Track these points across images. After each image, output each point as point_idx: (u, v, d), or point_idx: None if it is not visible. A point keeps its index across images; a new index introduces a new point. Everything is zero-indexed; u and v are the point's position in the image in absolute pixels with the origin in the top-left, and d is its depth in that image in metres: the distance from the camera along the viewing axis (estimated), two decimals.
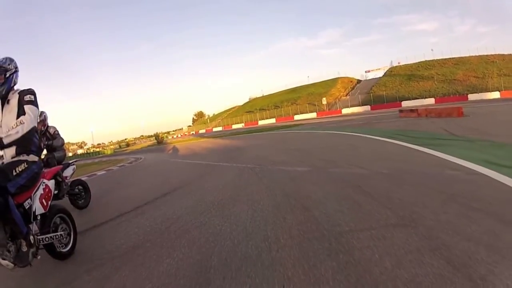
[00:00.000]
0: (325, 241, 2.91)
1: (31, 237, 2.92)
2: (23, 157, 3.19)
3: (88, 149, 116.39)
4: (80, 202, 6.63)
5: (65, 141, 7.36)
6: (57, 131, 7.00)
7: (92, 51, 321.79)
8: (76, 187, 6.70)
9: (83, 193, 6.82)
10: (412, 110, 22.96)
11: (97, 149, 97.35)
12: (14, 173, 2.95)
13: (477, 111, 20.57)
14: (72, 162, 6.15)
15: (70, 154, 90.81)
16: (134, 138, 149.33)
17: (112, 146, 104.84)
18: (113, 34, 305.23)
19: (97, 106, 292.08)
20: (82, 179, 7.57)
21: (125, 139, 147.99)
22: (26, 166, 3.11)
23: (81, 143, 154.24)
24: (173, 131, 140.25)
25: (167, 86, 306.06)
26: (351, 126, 19.48)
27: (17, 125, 2.96)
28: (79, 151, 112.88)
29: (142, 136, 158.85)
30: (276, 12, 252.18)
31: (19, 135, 2.93)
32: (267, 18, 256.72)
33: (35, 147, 3.36)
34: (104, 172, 16.11)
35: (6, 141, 2.84)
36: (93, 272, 3.10)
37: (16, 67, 3.41)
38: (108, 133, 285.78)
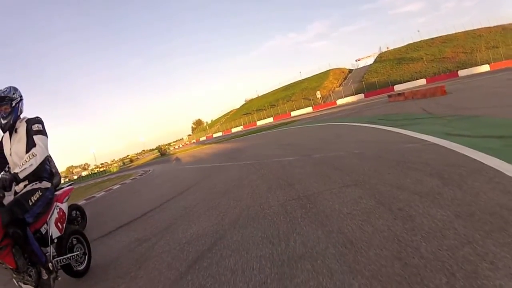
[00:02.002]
0: (299, 200, 4.25)
1: (50, 264, 3.06)
2: (36, 184, 3.27)
3: (92, 169, 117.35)
4: (77, 226, 6.44)
5: (68, 164, 7.59)
6: (50, 157, 7.35)
7: (83, 73, 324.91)
8: (73, 212, 6.80)
9: (79, 218, 6.95)
10: (399, 94, 24.10)
11: (102, 169, 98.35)
12: (30, 203, 3.04)
13: (462, 87, 21.69)
14: (67, 186, 5.58)
15: (75, 177, 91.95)
16: (137, 154, 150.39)
17: (115, 164, 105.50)
18: (102, 53, 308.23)
19: (95, 127, 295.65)
20: (101, 193, 8.51)
21: (127, 155, 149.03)
22: (40, 194, 3.21)
23: (84, 165, 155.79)
24: (174, 142, 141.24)
25: (161, 98, 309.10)
26: (342, 116, 20.68)
27: (30, 158, 2.96)
28: (84, 173, 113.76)
29: (143, 150, 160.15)
30: (262, 11, 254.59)
31: (33, 167, 2.95)
32: (254, 19, 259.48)
33: (47, 173, 3.46)
34: (119, 186, 17.38)
35: (21, 175, 2.86)
36: (142, 244, 4.43)
37: (21, 96, 3.45)
38: (109, 152, 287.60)
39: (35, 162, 2.95)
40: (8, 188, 2.81)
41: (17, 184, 3.06)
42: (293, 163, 7.39)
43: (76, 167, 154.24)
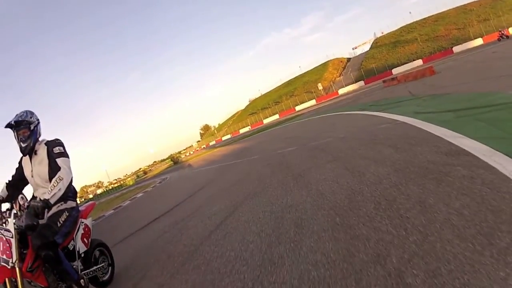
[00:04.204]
0: (293, 176, 5.65)
1: (82, 281, 3.18)
2: (62, 205, 3.34)
3: (106, 186, 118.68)
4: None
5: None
6: None
7: (86, 93, 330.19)
8: None
9: None
10: (393, 79, 25.14)
11: (116, 184, 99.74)
12: (59, 224, 3.15)
13: (452, 65, 22.58)
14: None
15: (91, 196, 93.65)
16: (149, 166, 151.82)
17: (129, 178, 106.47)
18: (101, 71, 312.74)
19: (103, 145, 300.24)
20: (127, 202, 9.81)
21: (140, 168, 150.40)
22: (67, 214, 3.31)
23: (98, 183, 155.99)
24: (184, 150, 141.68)
25: (166, 108, 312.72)
26: (341, 106, 21.90)
27: (57, 183, 3.03)
28: (99, 191, 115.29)
29: (155, 162, 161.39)
30: (254, 11, 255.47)
31: (62, 191, 3.03)
32: (247, 19, 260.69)
33: (72, 193, 3.51)
34: (142, 194, 18.89)
35: (52, 201, 2.94)
36: (179, 223, 5.86)
37: (38, 119, 3.47)
38: (121, 168, 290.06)
39: (63, 186, 3.05)
40: (41, 216, 2.90)
41: (49, 210, 3.10)
42: (292, 152, 8.75)
43: (90, 186, 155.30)
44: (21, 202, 3.23)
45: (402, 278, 1.89)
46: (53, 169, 3.24)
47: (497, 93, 6.46)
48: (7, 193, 3.42)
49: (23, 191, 3.68)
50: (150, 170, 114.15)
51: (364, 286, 1.96)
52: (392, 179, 3.67)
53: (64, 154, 3.35)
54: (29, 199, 3.41)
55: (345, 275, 2.15)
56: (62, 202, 3.32)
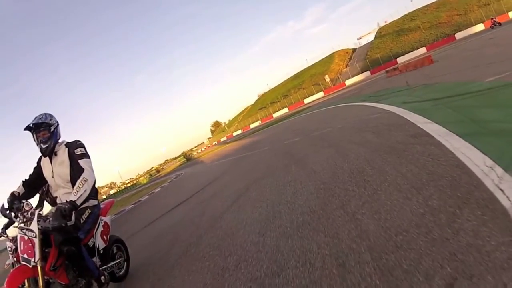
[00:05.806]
0: (294, 160, 6.75)
1: (103, 278, 3.25)
2: (85, 203, 3.35)
3: (119, 187, 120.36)
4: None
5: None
6: None
7: (95, 96, 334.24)
8: None
9: None
10: (395, 69, 25.81)
11: (130, 184, 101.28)
12: (82, 221, 3.28)
13: (451, 53, 23.13)
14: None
15: (104, 197, 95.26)
16: (161, 164, 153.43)
17: (142, 177, 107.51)
18: (107, 74, 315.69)
19: (115, 146, 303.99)
20: (145, 197, 11.10)
21: (152, 167, 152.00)
22: (89, 212, 3.46)
23: (110, 183, 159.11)
24: (195, 147, 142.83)
25: (175, 107, 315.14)
26: (346, 97, 22.64)
27: (82, 184, 3.07)
28: (112, 191, 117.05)
29: (167, 160, 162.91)
30: (257, 6, 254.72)
31: (88, 192, 3.09)
32: (251, 15, 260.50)
33: (94, 192, 3.48)
34: (159, 189, 20.21)
35: (79, 202, 2.97)
36: (200, 204, 7.02)
37: (57, 121, 3.56)
38: (133, 168, 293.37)
39: (88, 187, 3.10)
40: (68, 218, 2.86)
41: (76, 211, 2.99)
42: (297, 142, 9.82)
43: (102, 187, 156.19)
44: (27, 208, 3.02)
45: (355, 215, 2.96)
46: (75, 170, 3.34)
47: (475, 81, 7.20)
48: (23, 190, 3.49)
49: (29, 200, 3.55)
50: (163, 168, 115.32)
51: (331, 222, 3.03)
52: (367, 157, 4.65)
53: (86, 155, 3.42)
54: (34, 205, 3.35)
55: (320, 217, 3.27)
56: (85, 201, 3.31)
